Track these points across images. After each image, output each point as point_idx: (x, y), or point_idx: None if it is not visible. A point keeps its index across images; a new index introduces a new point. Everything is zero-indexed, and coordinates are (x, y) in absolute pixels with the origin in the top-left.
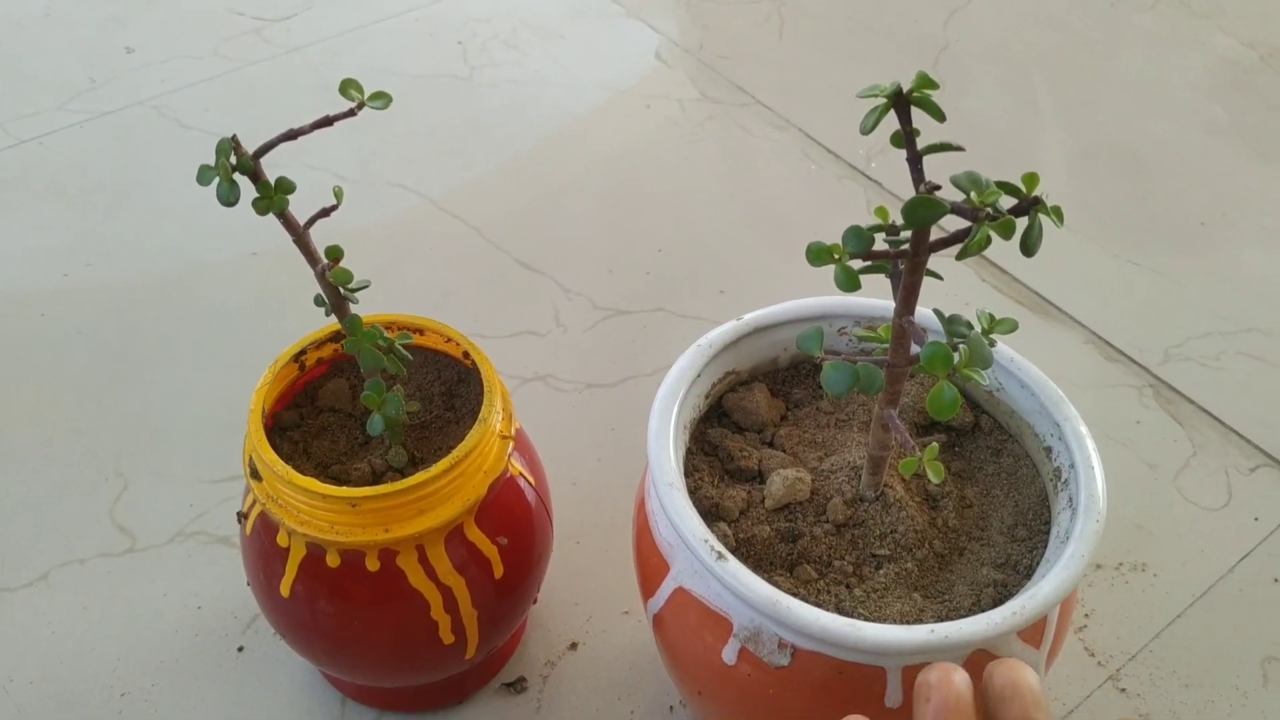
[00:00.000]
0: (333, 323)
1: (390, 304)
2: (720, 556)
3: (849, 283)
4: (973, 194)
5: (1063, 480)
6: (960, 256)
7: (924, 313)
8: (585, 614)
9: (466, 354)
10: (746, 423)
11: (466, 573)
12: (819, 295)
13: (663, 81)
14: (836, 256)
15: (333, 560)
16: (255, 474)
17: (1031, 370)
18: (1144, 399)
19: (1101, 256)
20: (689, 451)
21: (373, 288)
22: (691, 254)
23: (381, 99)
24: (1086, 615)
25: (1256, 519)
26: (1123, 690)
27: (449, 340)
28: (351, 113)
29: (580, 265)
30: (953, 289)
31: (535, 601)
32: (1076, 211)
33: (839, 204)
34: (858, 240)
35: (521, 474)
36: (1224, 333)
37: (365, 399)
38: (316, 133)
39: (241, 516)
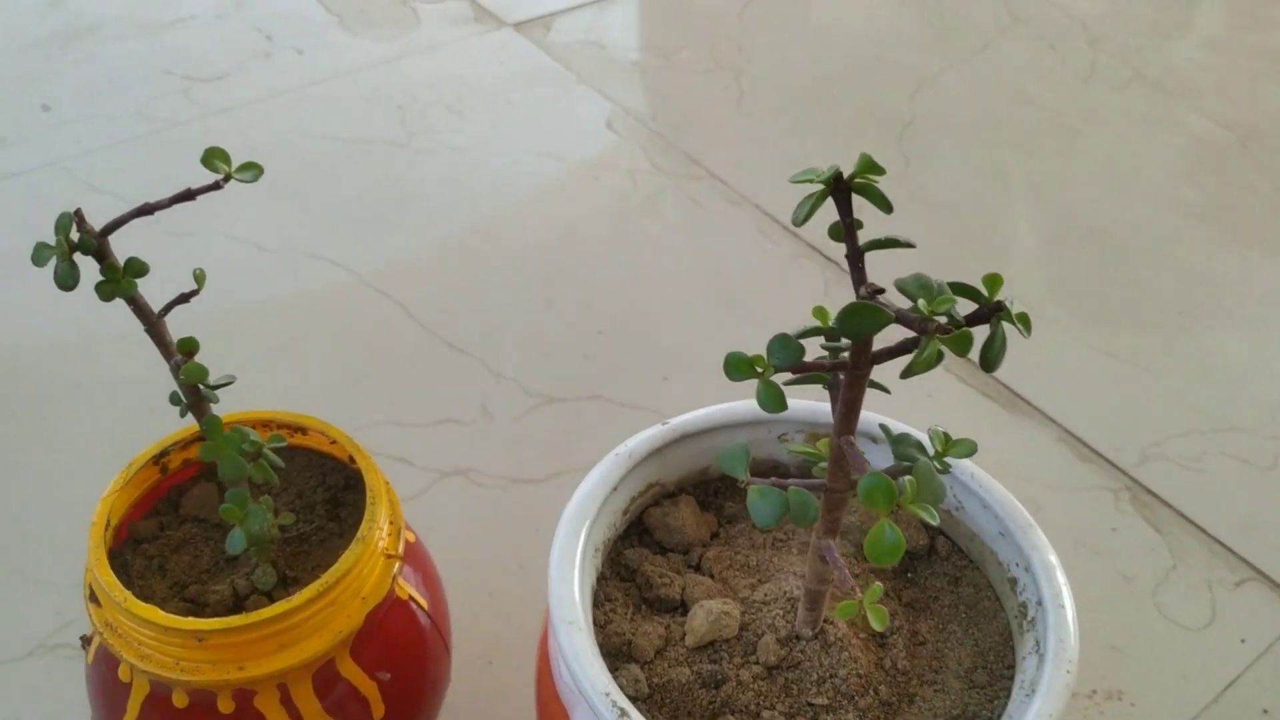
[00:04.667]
0: None
1: (295, 389)
2: (623, 715)
3: (774, 403)
4: (920, 301)
5: (1029, 618)
6: (905, 375)
7: (873, 422)
8: None
9: (352, 458)
10: (670, 542)
11: (339, 714)
12: None
13: (613, 152)
14: (760, 370)
15: (180, 700)
16: (94, 598)
17: (996, 489)
18: (1120, 503)
19: (1074, 346)
20: (601, 577)
21: (277, 371)
22: (634, 337)
23: (250, 170)
24: None
25: (1243, 641)
26: None
27: (334, 442)
28: (217, 185)
29: (513, 347)
30: (912, 381)
31: None
32: (1048, 297)
33: (795, 286)
34: (785, 352)
35: (412, 597)
36: (1204, 431)
37: (225, 512)
38: (234, 200)
39: (85, 640)
